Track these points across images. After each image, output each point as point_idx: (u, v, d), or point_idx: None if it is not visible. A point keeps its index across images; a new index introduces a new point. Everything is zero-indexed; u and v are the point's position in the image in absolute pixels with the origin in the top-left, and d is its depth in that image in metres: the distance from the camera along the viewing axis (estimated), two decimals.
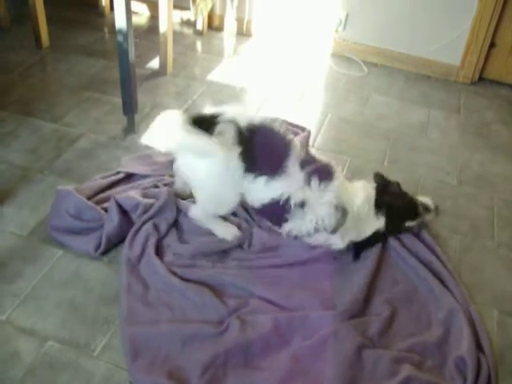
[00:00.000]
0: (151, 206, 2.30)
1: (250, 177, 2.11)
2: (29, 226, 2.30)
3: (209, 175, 2.14)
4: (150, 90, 3.34)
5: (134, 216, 2.28)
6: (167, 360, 1.80)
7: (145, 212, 2.28)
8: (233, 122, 2.10)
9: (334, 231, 2.18)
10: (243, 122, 2.11)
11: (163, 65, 3.49)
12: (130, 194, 2.33)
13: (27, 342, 1.86)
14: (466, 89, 3.73)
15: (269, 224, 2.30)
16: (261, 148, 2.11)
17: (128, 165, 2.60)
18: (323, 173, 2.18)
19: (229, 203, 2.24)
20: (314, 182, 2.13)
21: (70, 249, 2.20)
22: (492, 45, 3.66)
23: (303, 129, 2.99)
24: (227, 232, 2.27)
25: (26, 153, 2.71)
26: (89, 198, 2.32)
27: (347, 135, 3.11)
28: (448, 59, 3.76)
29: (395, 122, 3.28)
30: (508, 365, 1.95)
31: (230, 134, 2.08)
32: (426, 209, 2.43)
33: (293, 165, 2.12)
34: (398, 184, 2.40)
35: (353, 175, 2.75)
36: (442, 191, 2.75)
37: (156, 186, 2.45)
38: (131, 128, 2.91)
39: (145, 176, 2.53)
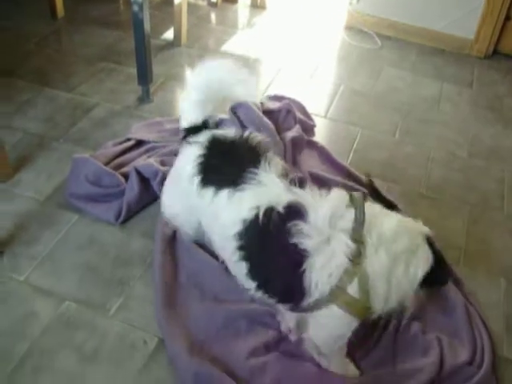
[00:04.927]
0: None
1: (208, 194, 1.67)
2: (46, 191, 2.36)
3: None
4: (164, 60, 3.36)
5: (153, 183, 2.31)
6: (208, 342, 1.82)
7: (163, 179, 2.30)
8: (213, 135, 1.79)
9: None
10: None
11: (177, 36, 3.51)
12: (149, 162, 2.36)
13: (44, 301, 1.92)
14: (480, 63, 3.71)
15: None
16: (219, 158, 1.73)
17: (138, 131, 2.64)
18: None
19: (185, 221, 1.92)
20: (308, 187, 1.63)
21: (90, 215, 2.26)
22: (507, 18, 3.62)
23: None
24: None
25: (42, 121, 2.76)
26: (104, 165, 2.36)
27: (359, 107, 3.13)
28: (462, 33, 3.74)
29: (407, 95, 3.28)
30: None
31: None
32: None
33: (266, 173, 1.63)
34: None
35: (364, 147, 2.78)
36: (453, 164, 2.76)
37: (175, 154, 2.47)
38: (146, 98, 2.94)
39: (155, 142, 2.57)
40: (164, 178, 2.28)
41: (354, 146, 2.80)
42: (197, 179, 1.68)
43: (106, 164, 2.38)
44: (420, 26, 3.80)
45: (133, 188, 2.27)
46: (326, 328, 1.59)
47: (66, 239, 2.16)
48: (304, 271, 1.45)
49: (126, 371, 1.75)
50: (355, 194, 1.55)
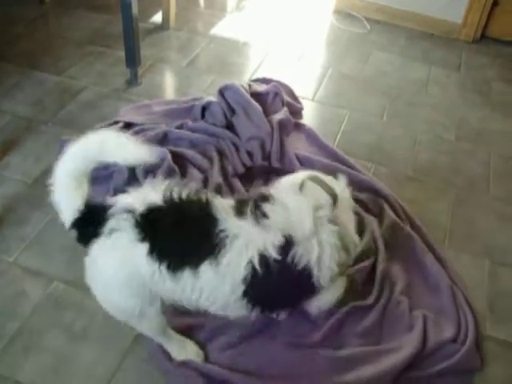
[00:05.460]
0: (155, 165, 2.30)
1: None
2: (34, 174, 2.37)
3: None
4: (152, 43, 3.36)
5: (137, 170, 2.32)
6: None
7: (147, 171, 2.29)
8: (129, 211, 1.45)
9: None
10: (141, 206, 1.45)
11: (166, 19, 3.50)
12: None
13: (33, 282, 1.95)
14: (468, 47, 3.73)
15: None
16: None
17: (126, 114, 2.66)
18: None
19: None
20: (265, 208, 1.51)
21: None
22: (495, 3, 3.63)
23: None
24: (183, 350, 1.77)
25: (30, 104, 2.76)
26: None
27: (347, 90, 3.14)
28: (450, 17, 3.75)
29: (396, 79, 3.29)
30: (497, 312, 2.03)
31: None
32: None
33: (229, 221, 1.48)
34: None
35: (351, 129, 2.80)
36: (440, 146, 2.78)
37: (158, 142, 2.48)
38: (134, 80, 2.95)
39: (143, 125, 2.58)
40: (147, 170, 2.27)
41: (342, 128, 2.81)
42: (163, 267, 1.43)
43: None
44: (409, 10, 3.80)
45: (121, 171, 2.27)
46: (333, 295, 1.74)
47: (55, 221, 2.14)
48: (315, 279, 1.52)
49: (113, 350, 1.77)
50: (310, 177, 1.59)
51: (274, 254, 1.44)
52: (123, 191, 2.18)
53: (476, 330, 1.91)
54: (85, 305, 1.88)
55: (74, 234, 1.95)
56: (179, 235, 1.45)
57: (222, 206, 1.50)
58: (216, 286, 1.46)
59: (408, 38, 3.75)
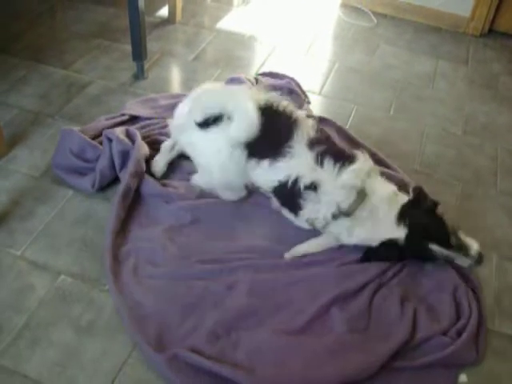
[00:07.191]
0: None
1: (254, 161, 2.07)
2: (41, 167, 2.37)
3: (213, 161, 2.12)
4: (159, 37, 3.35)
5: (113, 151, 2.29)
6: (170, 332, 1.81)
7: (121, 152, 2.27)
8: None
9: (347, 214, 1.97)
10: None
11: (172, 13, 3.49)
12: (116, 129, 2.37)
13: (41, 276, 1.94)
14: (476, 41, 3.71)
15: (288, 215, 2.17)
16: (263, 130, 2.03)
17: (132, 107, 2.64)
18: (338, 154, 2.02)
19: (236, 188, 2.22)
20: (328, 162, 1.98)
21: (71, 186, 2.28)
22: None
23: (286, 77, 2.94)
24: (231, 195, 2.25)
25: (36, 98, 2.76)
26: (93, 138, 2.37)
27: (354, 84, 3.13)
28: (458, 11, 3.73)
29: (403, 72, 3.28)
30: (505, 307, 2.02)
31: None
32: (465, 248, 2.01)
33: (298, 144, 2.01)
34: (434, 203, 2.06)
35: (359, 123, 2.79)
36: (447, 140, 2.77)
37: (160, 134, 2.48)
38: (140, 74, 2.94)
39: (149, 118, 2.58)
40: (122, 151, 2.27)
41: (349, 122, 2.80)
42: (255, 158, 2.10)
43: (95, 137, 2.39)
44: (416, 4, 3.79)
45: (105, 153, 2.27)
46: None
47: (62, 214, 2.17)
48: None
49: (120, 344, 1.77)
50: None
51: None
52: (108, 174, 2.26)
53: (478, 328, 1.89)
54: (92, 298, 1.88)
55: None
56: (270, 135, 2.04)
57: (305, 129, 2.05)
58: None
59: (415, 31, 3.74)
